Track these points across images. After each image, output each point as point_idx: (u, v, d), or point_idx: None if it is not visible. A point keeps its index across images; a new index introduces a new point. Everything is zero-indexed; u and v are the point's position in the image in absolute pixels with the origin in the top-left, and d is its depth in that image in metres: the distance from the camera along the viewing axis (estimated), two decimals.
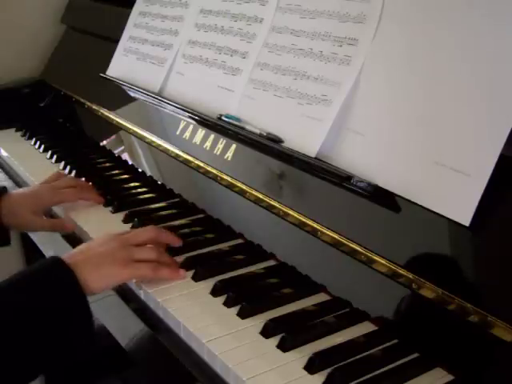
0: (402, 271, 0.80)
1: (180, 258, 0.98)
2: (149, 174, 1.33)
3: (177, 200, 1.22)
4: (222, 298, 0.88)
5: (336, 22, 0.99)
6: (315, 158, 0.94)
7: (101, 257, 0.88)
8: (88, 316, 0.82)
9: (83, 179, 1.31)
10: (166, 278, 0.92)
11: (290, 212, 0.96)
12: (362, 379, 0.73)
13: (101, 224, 1.14)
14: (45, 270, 0.84)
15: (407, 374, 0.75)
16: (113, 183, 1.34)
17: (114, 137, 1.50)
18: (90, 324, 0.82)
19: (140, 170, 1.36)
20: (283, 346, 0.78)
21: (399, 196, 0.83)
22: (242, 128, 1.07)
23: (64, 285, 0.82)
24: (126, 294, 0.95)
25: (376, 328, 0.83)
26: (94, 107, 1.58)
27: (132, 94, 1.43)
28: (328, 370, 0.73)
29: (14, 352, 0.77)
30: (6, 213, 1.13)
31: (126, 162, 1.43)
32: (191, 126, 1.22)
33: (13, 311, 0.78)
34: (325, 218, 0.91)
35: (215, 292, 0.90)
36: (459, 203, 0.76)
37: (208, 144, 1.16)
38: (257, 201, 1.03)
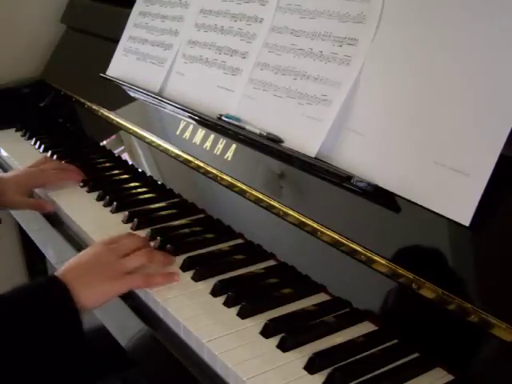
0: (401, 271, 0.80)
1: (180, 259, 0.98)
2: (149, 173, 1.33)
3: (177, 200, 1.22)
4: (221, 298, 0.88)
5: (336, 22, 0.99)
6: (315, 158, 0.94)
7: (92, 274, 0.88)
8: (79, 332, 0.83)
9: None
10: (160, 284, 0.92)
11: (290, 212, 0.96)
12: (361, 379, 0.73)
13: (101, 224, 1.14)
14: (39, 288, 0.85)
15: (407, 374, 0.75)
16: (113, 183, 1.34)
17: (114, 137, 1.50)
18: (80, 340, 0.83)
19: (140, 170, 1.36)
20: (283, 346, 0.78)
21: (399, 196, 0.83)
22: (242, 128, 1.07)
23: (57, 301, 0.83)
24: (125, 294, 0.95)
25: (376, 328, 0.83)
26: (94, 107, 1.58)
27: (132, 94, 1.43)
28: (328, 370, 0.73)
29: (7, 366, 0.78)
30: None
31: (126, 161, 1.43)
32: (191, 126, 1.22)
33: (6, 327, 0.79)
34: (325, 218, 0.91)
35: (215, 292, 0.90)
36: (459, 203, 0.76)
37: (208, 144, 1.16)
38: (257, 201, 1.03)
